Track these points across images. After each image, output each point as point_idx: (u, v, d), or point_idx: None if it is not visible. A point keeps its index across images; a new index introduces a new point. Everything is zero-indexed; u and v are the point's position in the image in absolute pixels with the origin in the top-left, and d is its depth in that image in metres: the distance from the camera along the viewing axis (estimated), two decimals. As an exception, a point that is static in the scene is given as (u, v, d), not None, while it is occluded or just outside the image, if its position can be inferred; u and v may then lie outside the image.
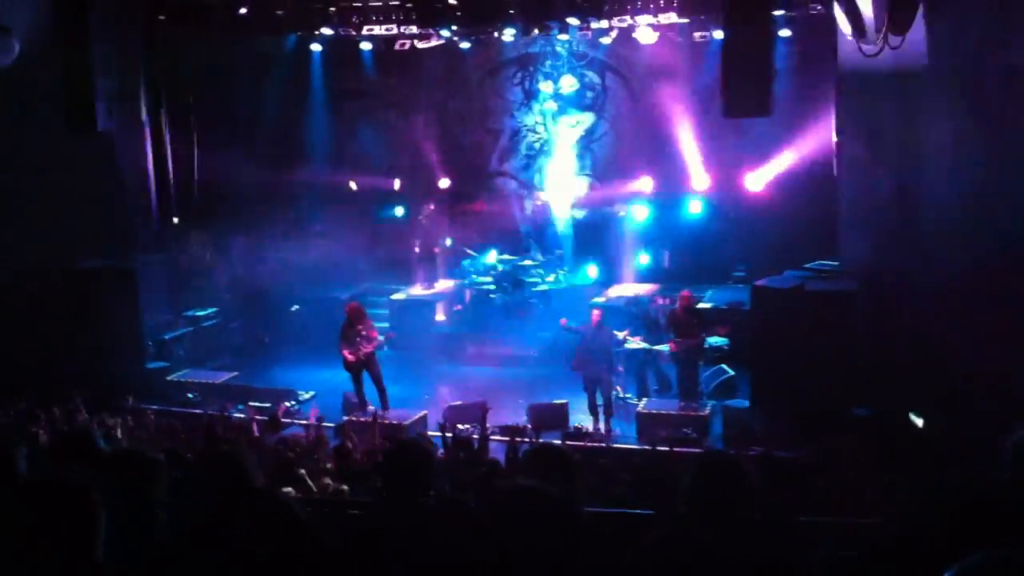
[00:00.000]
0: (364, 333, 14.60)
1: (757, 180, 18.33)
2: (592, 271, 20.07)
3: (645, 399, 14.51)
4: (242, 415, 12.90)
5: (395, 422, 13.47)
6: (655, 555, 3.42)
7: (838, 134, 14.02)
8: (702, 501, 3.96)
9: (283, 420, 12.68)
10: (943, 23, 10.72)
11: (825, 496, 8.62)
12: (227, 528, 3.29)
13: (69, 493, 2.58)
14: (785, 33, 16.38)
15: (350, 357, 14.51)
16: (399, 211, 21.15)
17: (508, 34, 18.22)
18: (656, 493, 7.83)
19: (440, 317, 19.20)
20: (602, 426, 14.09)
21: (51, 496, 2.56)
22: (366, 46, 19.18)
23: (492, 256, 19.58)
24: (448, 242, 20.75)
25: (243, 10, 16.46)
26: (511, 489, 3.15)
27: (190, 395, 15.41)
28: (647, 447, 11.05)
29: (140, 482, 3.46)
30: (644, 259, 19.90)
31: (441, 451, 10.84)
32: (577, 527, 3.08)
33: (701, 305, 16.57)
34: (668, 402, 14.30)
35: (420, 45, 18.50)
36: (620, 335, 14.99)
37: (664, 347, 14.75)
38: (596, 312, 14.90)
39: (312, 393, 15.60)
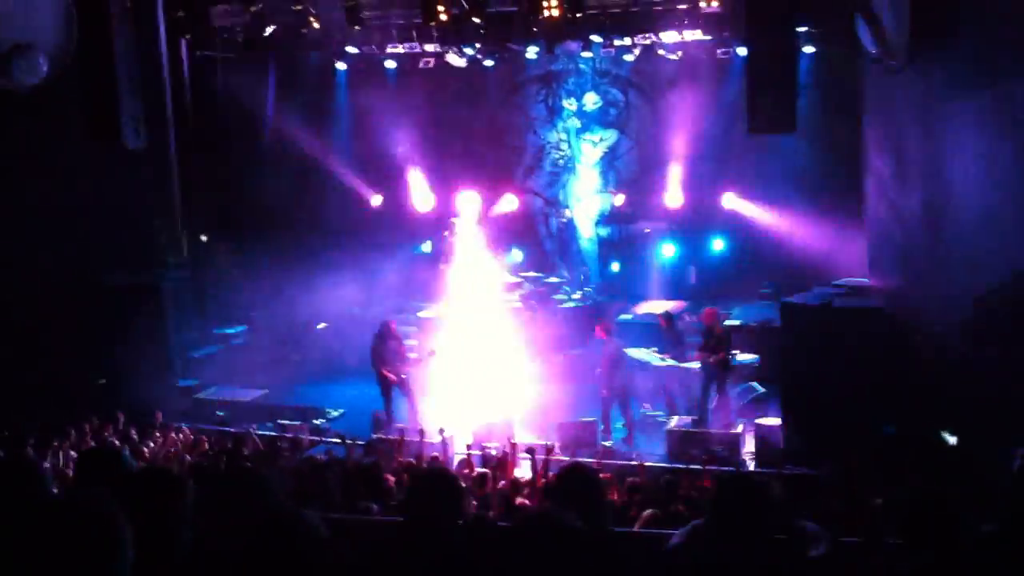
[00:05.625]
0: (400, 351, 14.72)
1: (782, 196, 18.24)
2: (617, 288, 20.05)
3: (675, 417, 14.44)
4: (270, 432, 12.97)
5: (424, 440, 13.44)
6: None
7: (864, 150, 13.94)
8: (724, 520, 3.98)
9: (311, 438, 12.72)
10: (969, 38, 10.64)
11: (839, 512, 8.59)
12: (250, 548, 3.30)
13: (95, 513, 2.58)
14: (809, 49, 16.34)
15: (391, 376, 14.59)
16: (424, 221, 21.14)
17: (531, 52, 18.27)
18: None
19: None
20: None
21: (77, 516, 2.56)
22: (390, 64, 19.29)
23: (518, 273, 19.55)
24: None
25: (269, 30, 16.62)
26: (529, 517, 3.15)
27: (219, 413, 15.45)
28: (678, 466, 11.00)
29: (163, 500, 3.46)
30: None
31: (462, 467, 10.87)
32: (594, 557, 3.09)
33: (729, 322, 16.55)
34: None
35: (445, 60, 18.61)
36: (648, 353, 15.02)
37: (693, 364, 14.71)
38: (599, 328, 14.99)
39: (341, 411, 15.63)
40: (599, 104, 20.81)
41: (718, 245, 19.77)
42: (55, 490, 4.04)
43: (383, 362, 14.66)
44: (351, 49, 18.31)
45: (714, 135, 19.07)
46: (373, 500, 9.44)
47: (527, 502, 8.63)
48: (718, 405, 14.26)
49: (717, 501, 4.06)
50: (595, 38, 17.06)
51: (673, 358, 15.00)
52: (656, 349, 15.26)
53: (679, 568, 3.77)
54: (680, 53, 17.98)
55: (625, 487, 9.69)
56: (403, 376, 14.70)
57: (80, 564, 2.49)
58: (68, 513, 2.55)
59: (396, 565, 4.08)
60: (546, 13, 16.26)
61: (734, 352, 14.81)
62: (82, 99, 12.81)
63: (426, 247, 21.37)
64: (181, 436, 12.24)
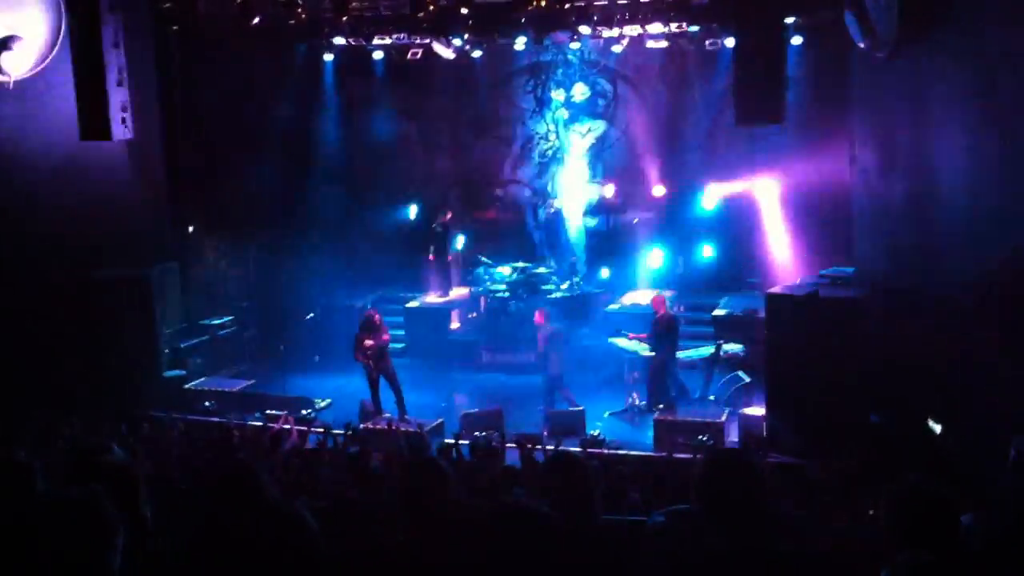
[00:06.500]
0: (382, 340, 14.82)
1: (770, 187, 18.27)
2: (605, 275, 20.09)
3: (661, 406, 14.52)
4: (258, 423, 12.98)
5: (412, 429, 13.49)
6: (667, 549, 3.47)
7: (852, 142, 14.00)
8: (712, 496, 3.95)
9: (299, 428, 12.72)
10: (956, 31, 10.70)
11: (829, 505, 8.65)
12: (240, 539, 3.33)
13: (86, 508, 2.61)
14: (797, 41, 16.37)
15: (358, 358, 14.72)
16: (412, 211, 21.11)
17: (520, 43, 18.24)
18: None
19: (455, 325, 19.23)
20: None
21: (69, 512, 2.58)
22: (378, 55, 19.24)
23: (506, 266, 19.55)
24: (461, 248, 20.80)
25: (256, 20, 16.57)
26: (501, 507, 3.19)
27: (207, 404, 15.45)
28: (664, 455, 11.05)
29: (123, 493, 3.50)
30: (656, 263, 19.80)
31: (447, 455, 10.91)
32: (571, 545, 3.14)
33: (716, 312, 16.66)
34: (684, 409, 14.32)
35: (433, 51, 18.57)
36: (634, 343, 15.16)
37: (685, 354, 14.94)
38: (538, 313, 15.71)
39: (328, 401, 15.66)
40: (587, 95, 20.76)
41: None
42: (46, 487, 4.05)
43: (362, 351, 14.80)
44: (338, 40, 18.25)
45: (701, 126, 19.11)
46: (361, 490, 9.47)
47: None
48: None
49: (704, 477, 4.02)
50: (583, 28, 17.07)
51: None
52: (631, 333, 15.43)
53: (662, 548, 3.78)
54: (668, 43, 17.98)
55: (613, 476, 9.75)
56: (369, 359, 14.78)
57: (73, 557, 2.51)
58: (59, 509, 2.58)
59: (386, 555, 4.11)
60: (534, 3, 16.27)
61: (719, 342, 14.99)
62: (72, 91, 12.83)
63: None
64: (171, 428, 12.22)
